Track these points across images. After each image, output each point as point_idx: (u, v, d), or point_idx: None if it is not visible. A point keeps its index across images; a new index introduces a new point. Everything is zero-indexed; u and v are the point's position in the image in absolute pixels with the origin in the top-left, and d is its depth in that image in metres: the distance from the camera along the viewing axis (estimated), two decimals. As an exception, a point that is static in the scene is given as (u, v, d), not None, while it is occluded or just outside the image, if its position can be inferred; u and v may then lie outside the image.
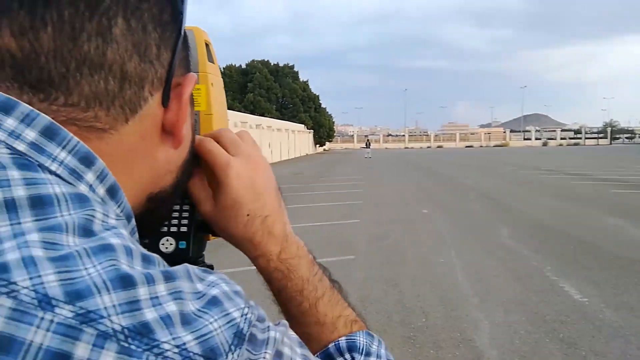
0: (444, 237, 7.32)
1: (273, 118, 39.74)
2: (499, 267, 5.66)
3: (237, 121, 27.10)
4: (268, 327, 0.36)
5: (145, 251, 0.34)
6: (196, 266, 0.36)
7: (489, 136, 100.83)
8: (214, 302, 0.33)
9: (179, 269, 0.34)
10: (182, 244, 0.58)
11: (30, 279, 0.28)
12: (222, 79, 0.67)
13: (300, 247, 0.56)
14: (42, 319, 0.27)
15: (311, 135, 53.06)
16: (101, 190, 0.37)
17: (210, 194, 0.55)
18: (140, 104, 0.40)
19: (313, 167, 26.38)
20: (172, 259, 0.58)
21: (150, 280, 0.31)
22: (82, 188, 0.35)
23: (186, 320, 0.31)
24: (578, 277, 5.16)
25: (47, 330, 0.27)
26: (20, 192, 0.31)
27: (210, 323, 0.31)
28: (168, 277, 0.32)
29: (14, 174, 0.32)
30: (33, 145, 0.34)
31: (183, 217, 0.59)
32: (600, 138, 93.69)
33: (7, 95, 0.35)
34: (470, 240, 7.14)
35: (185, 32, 0.46)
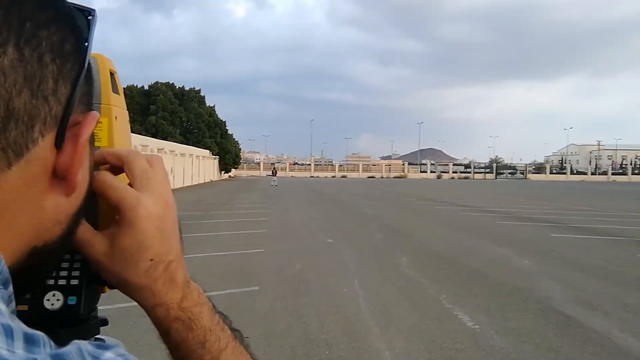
0: (348, 267, 7.44)
1: (177, 142, 38.54)
2: (399, 295, 5.84)
3: (138, 144, 25.90)
4: None
5: (27, 329, 0.29)
6: (88, 341, 0.31)
7: (389, 168, 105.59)
8: None
9: (70, 350, 0.28)
10: (72, 300, 0.50)
11: None
12: (127, 111, 0.61)
13: (200, 293, 0.52)
14: None
15: (216, 162, 52.09)
16: None
17: (100, 235, 0.48)
18: (28, 146, 0.34)
19: (217, 194, 25.82)
20: (60, 316, 0.50)
21: None
22: None
23: None
24: (470, 305, 5.46)
25: None
26: None
27: None
28: None
29: None
30: None
31: (74, 267, 0.51)
32: (487, 172, 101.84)
33: None
34: (373, 269, 7.32)
35: (89, 64, 0.41)
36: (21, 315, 0.49)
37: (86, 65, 0.39)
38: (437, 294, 5.93)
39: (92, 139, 0.43)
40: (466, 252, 8.90)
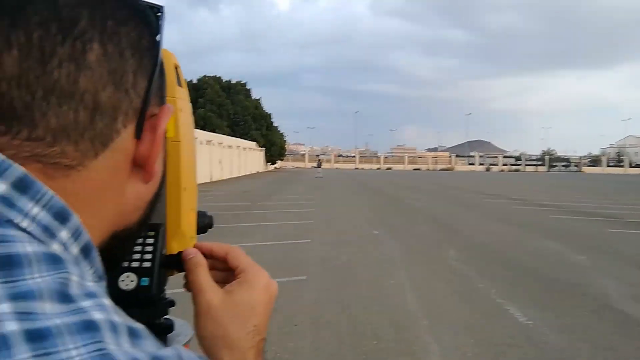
0: (394, 259, 7.39)
1: (224, 135, 39.36)
2: (447, 289, 5.76)
3: (188, 136, 26.59)
4: None
5: (131, 323, 0.30)
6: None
7: (435, 160, 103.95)
8: None
9: (170, 355, 0.30)
10: (145, 281, 0.53)
11: None
12: (190, 103, 0.63)
13: None
14: None
15: (262, 153, 52.85)
16: (75, 250, 0.33)
17: (218, 285, 0.54)
18: (112, 137, 0.36)
19: (264, 185, 26.19)
20: (134, 296, 0.53)
21: None
22: (55, 247, 0.31)
23: None
24: (522, 300, 5.31)
25: None
26: None
27: None
28: None
29: None
30: (3, 200, 0.30)
31: (146, 251, 0.53)
32: (539, 165, 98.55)
33: None
34: (420, 261, 7.25)
35: (162, 59, 0.42)
36: None
37: (159, 60, 0.40)
38: (487, 288, 5.80)
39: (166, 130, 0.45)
40: (517, 246, 8.66)
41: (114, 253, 0.44)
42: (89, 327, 0.27)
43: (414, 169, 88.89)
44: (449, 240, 9.10)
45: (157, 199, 0.45)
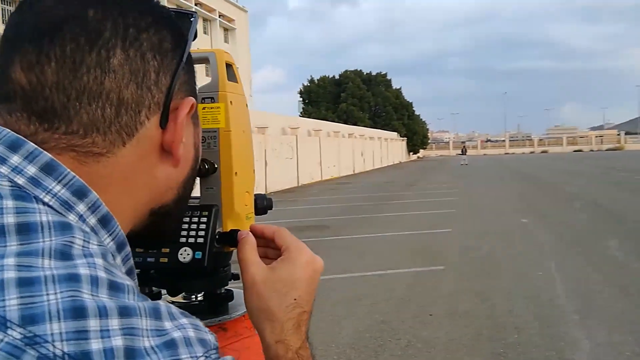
0: (544, 249, 6.85)
1: (366, 127, 39.82)
2: (604, 281, 5.19)
3: (330, 130, 27.49)
4: None
5: (118, 279, 0.36)
6: (174, 306, 0.38)
7: (600, 139, 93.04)
8: (169, 344, 0.34)
9: (145, 305, 0.35)
10: (198, 254, 0.61)
11: None
12: (244, 96, 0.69)
13: (310, 355, 0.57)
14: None
15: (404, 143, 52.35)
16: (92, 220, 0.40)
17: (262, 261, 0.58)
18: (137, 128, 0.43)
19: (405, 175, 25.95)
20: (190, 268, 0.62)
21: (103, 314, 0.33)
22: (71, 217, 0.38)
23: (131, 355, 0.32)
24: (701, 296, 4.58)
25: None
26: (10, 220, 0.35)
27: None
28: (124, 313, 0.34)
29: (9, 203, 0.36)
30: (32, 179, 0.38)
31: (200, 228, 0.62)
32: None
33: (18, 136, 0.39)
34: (574, 252, 6.62)
35: (188, 57, 0.49)
36: (163, 266, 0.62)
37: (184, 59, 0.47)
38: (656, 281, 5.09)
39: (196, 120, 0.52)
40: (699, 234, 7.42)
41: (162, 228, 0.52)
42: (71, 278, 0.33)
43: (575, 151, 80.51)
44: (611, 229, 8.14)
45: (192, 181, 0.53)
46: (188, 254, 0.61)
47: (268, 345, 0.54)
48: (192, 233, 0.62)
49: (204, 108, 0.65)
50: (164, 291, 0.70)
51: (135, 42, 0.43)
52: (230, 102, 0.66)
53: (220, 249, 0.64)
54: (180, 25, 0.49)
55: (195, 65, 0.53)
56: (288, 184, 19.00)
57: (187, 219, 0.62)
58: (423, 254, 6.73)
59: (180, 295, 0.71)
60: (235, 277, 0.70)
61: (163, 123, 0.45)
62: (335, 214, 10.86)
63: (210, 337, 0.37)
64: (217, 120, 0.65)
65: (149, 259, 0.61)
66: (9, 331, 0.30)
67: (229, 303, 0.68)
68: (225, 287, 0.69)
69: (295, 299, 0.55)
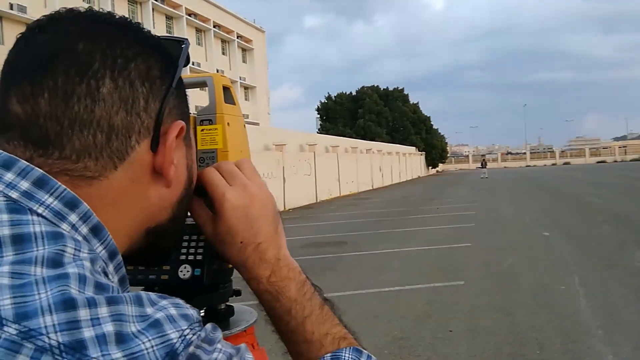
0: (567, 262, 6.71)
1: (384, 142, 39.77)
2: (630, 295, 5.05)
3: (348, 147, 27.53)
4: (215, 348, 0.39)
5: (103, 281, 0.38)
6: (153, 292, 0.40)
7: (624, 149, 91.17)
8: (154, 324, 0.36)
9: (129, 295, 0.38)
10: (197, 271, 0.63)
11: None
12: (241, 117, 0.72)
13: (291, 269, 0.59)
14: None
15: (423, 158, 52.07)
16: (84, 229, 0.42)
17: (211, 218, 0.59)
18: (128, 152, 0.46)
19: (424, 190, 25.76)
20: (189, 285, 0.64)
21: (92, 304, 0.35)
22: (64, 227, 0.41)
23: (121, 339, 0.34)
24: None
25: None
26: (5, 232, 0.38)
27: (144, 343, 0.35)
28: (111, 302, 0.36)
29: (4, 216, 0.39)
30: (25, 193, 0.40)
31: (199, 246, 0.64)
32: None
33: (10, 155, 0.42)
34: (598, 265, 6.47)
35: (179, 82, 0.51)
36: (164, 283, 0.64)
37: (174, 85, 0.49)
38: (684, 295, 4.94)
39: (188, 142, 0.54)
40: None
41: (160, 246, 0.55)
42: (60, 277, 0.36)
43: (598, 162, 78.99)
44: (636, 242, 7.94)
45: (186, 200, 0.55)
46: (188, 271, 0.63)
47: (246, 283, 0.59)
48: (192, 250, 0.64)
49: (202, 130, 0.67)
50: None
51: (123, 71, 0.45)
52: (228, 123, 0.68)
53: (220, 265, 0.66)
54: (170, 52, 0.51)
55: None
56: (306, 201, 19.03)
57: (186, 237, 0.64)
58: (442, 269, 6.65)
59: None
60: (237, 292, 0.71)
61: (154, 146, 0.47)
62: (353, 230, 10.83)
63: (192, 312, 0.39)
64: (215, 142, 0.67)
65: (151, 277, 0.63)
66: (5, 328, 0.32)
67: (230, 318, 0.70)
68: (226, 303, 0.70)
69: (241, 242, 0.57)
